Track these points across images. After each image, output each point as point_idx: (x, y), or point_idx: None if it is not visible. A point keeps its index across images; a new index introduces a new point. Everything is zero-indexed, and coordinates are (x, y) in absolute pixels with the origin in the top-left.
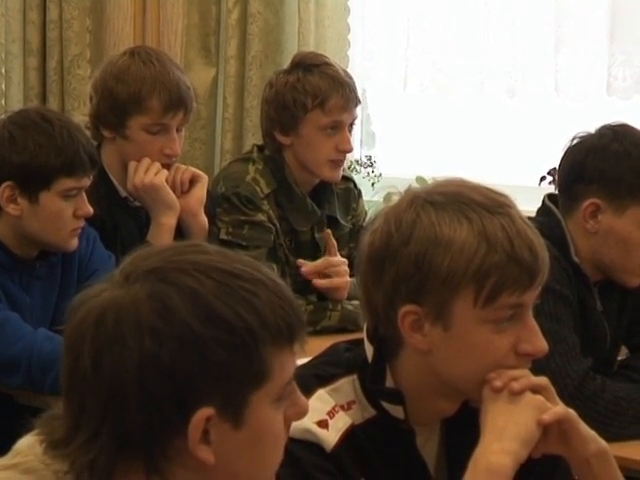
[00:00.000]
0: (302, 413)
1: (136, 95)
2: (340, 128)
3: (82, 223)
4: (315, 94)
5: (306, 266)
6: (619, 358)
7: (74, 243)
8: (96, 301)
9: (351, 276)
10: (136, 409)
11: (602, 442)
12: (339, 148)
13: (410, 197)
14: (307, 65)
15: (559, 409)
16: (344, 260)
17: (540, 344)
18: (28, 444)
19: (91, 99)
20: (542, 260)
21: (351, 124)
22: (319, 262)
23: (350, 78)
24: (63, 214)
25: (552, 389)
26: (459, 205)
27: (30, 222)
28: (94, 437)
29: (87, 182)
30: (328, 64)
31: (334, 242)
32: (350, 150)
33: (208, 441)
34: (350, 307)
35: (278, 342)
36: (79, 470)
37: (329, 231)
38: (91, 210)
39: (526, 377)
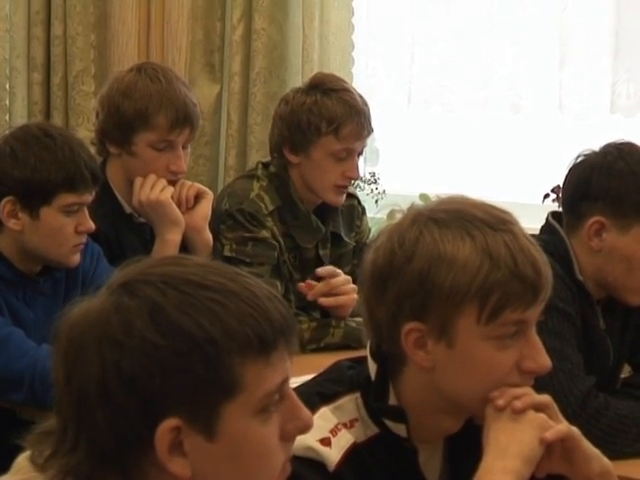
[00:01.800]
0: (305, 427)
1: (143, 112)
2: (350, 155)
3: (84, 239)
4: (331, 119)
5: (310, 293)
6: (622, 376)
7: (76, 259)
8: (70, 314)
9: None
10: (103, 420)
11: (606, 461)
12: (346, 174)
13: (413, 215)
14: (326, 89)
15: (562, 427)
16: (348, 278)
17: (543, 361)
18: (29, 459)
19: (97, 115)
20: (545, 277)
21: (361, 151)
22: (320, 285)
23: (366, 105)
24: (64, 230)
25: (555, 407)
26: (462, 222)
27: (31, 237)
28: (75, 448)
29: (89, 198)
30: (347, 90)
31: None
32: (357, 178)
33: (183, 453)
34: (353, 324)
35: (247, 353)
36: None
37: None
38: (93, 226)
39: (528, 395)
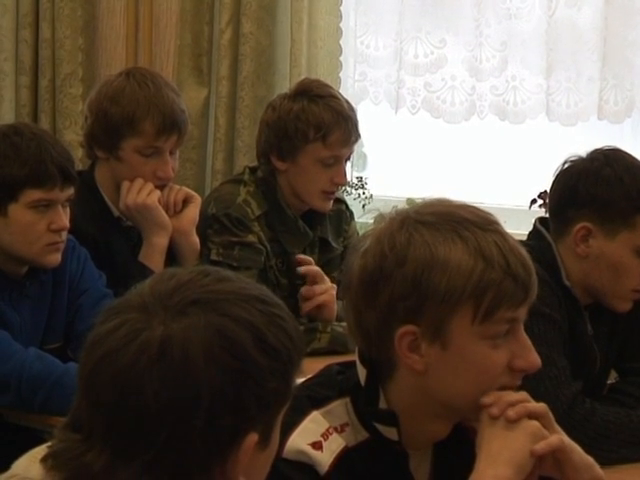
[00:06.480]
0: None
1: (130, 117)
2: (338, 161)
3: (60, 237)
4: (318, 126)
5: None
6: (609, 382)
7: (53, 258)
8: (151, 334)
9: (340, 298)
10: (199, 439)
11: (597, 471)
12: (334, 181)
13: (401, 218)
14: (313, 95)
15: (553, 440)
16: (329, 285)
17: (533, 359)
18: (24, 467)
19: (86, 119)
20: (534, 275)
21: (348, 157)
22: (304, 290)
23: (353, 111)
24: (34, 227)
25: (550, 415)
26: (451, 224)
27: (2, 235)
28: (148, 469)
29: (59, 194)
30: (333, 96)
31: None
32: (345, 184)
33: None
34: (340, 329)
35: (300, 363)
36: None
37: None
38: (67, 223)
39: (522, 404)
